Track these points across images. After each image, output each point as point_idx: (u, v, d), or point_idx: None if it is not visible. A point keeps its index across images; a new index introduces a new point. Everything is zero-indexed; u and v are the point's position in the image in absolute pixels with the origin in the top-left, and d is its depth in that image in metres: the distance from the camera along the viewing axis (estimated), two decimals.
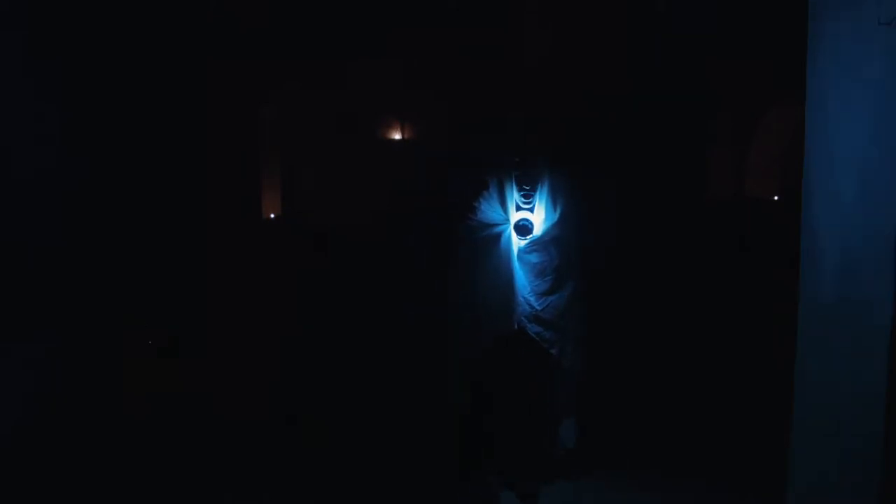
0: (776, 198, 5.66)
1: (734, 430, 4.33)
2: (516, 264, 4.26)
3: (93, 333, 3.97)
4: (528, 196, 4.23)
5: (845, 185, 2.38)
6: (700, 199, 5.05)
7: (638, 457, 4.27)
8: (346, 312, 4.71)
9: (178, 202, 4.47)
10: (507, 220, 4.26)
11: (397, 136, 5.53)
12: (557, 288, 4.22)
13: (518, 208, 4.27)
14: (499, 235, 4.26)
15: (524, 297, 4.23)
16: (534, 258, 4.23)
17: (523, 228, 4.22)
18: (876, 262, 2.22)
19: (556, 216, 4.23)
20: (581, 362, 4.23)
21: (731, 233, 4.92)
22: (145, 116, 4.27)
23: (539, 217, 4.25)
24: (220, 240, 4.68)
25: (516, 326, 4.18)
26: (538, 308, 4.20)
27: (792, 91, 2.93)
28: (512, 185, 4.25)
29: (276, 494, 3.98)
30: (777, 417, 2.86)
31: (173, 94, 4.42)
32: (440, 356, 4.24)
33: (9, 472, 3.37)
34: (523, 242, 4.25)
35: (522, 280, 4.24)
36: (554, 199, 4.24)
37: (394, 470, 4.11)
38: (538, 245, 4.23)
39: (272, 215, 5.48)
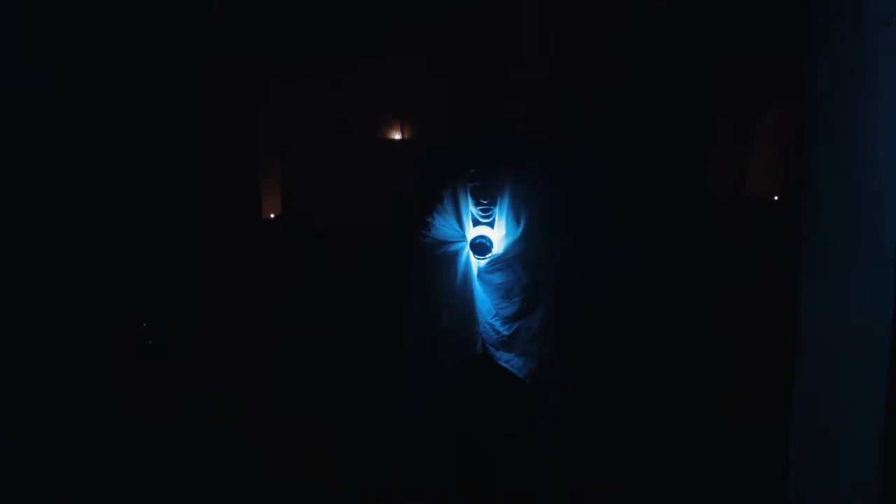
0: (776, 198, 5.67)
1: (734, 433, 4.32)
2: (477, 286, 3.76)
3: (92, 333, 3.98)
4: (486, 210, 3.71)
5: (847, 185, 2.38)
6: (699, 200, 5.05)
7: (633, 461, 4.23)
8: (345, 315, 4.71)
9: (178, 202, 4.47)
10: (464, 236, 3.78)
11: (397, 135, 5.54)
12: (528, 310, 3.71)
13: (476, 223, 3.75)
14: (456, 254, 3.77)
15: (488, 323, 3.73)
16: (497, 278, 3.72)
17: (480, 247, 3.68)
18: (877, 262, 2.22)
19: (520, 230, 3.72)
20: (560, 390, 3.80)
21: (731, 233, 4.92)
22: (145, 116, 4.27)
23: (500, 233, 3.75)
24: (220, 240, 4.68)
25: (478, 354, 3.73)
26: (506, 334, 3.71)
27: (792, 91, 2.93)
28: (468, 198, 3.74)
29: (275, 494, 3.99)
30: (777, 419, 2.86)
31: (173, 94, 4.42)
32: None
33: (7, 472, 3.38)
34: (483, 262, 3.74)
35: (486, 303, 3.74)
36: (517, 212, 3.73)
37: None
38: (501, 263, 3.72)
39: (272, 215, 5.50)
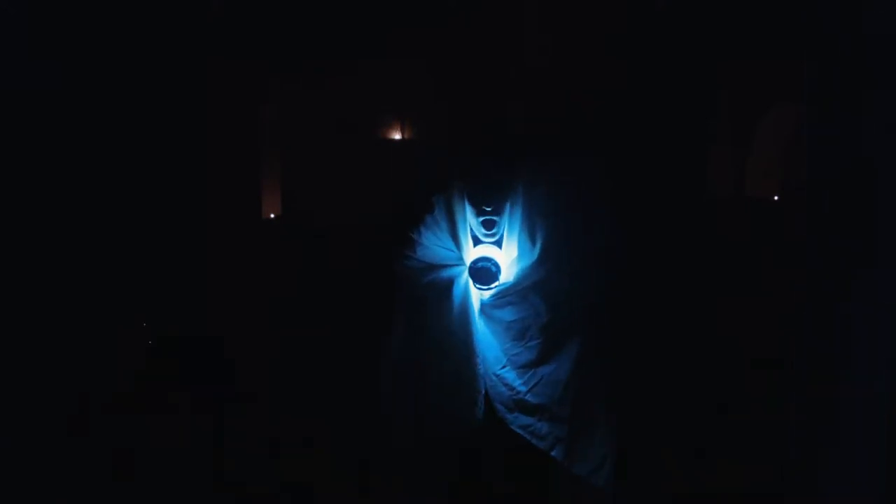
0: (776, 198, 5.67)
1: (734, 433, 4.32)
2: (478, 325, 2.79)
3: (92, 333, 3.98)
4: (490, 224, 2.78)
5: (847, 185, 2.38)
6: (699, 200, 5.05)
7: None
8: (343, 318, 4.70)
9: (178, 202, 4.48)
10: (462, 258, 2.87)
11: (397, 135, 5.54)
12: (551, 354, 2.80)
13: (476, 241, 2.83)
14: (450, 282, 2.81)
15: (496, 375, 2.82)
16: (507, 314, 2.79)
17: (483, 273, 2.74)
18: (878, 261, 2.23)
19: (538, 251, 2.76)
20: (606, 468, 2.88)
21: (731, 233, 4.92)
22: (145, 116, 4.28)
23: (510, 254, 2.82)
24: (220, 240, 4.68)
25: (480, 418, 2.79)
26: (522, 389, 2.80)
27: (792, 91, 2.93)
28: (465, 205, 2.80)
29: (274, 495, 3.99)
30: (777, 419, 2.86)
31: (173, 94, 4.42)
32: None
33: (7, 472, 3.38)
34: (487, 294, 2.82)
35: (494, 349, 2.79)
36: (532, 225, 2.77)
37: None
38: (512, 295, 2.78)
39: (272, 215, 5.49)
